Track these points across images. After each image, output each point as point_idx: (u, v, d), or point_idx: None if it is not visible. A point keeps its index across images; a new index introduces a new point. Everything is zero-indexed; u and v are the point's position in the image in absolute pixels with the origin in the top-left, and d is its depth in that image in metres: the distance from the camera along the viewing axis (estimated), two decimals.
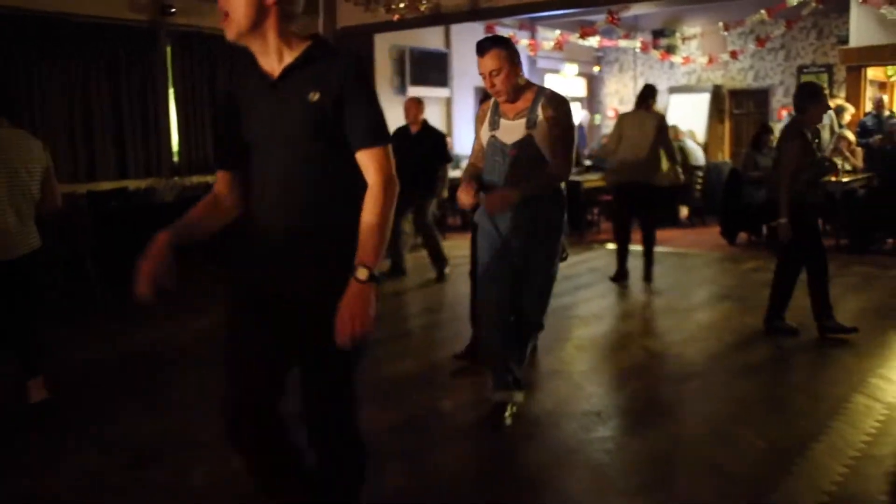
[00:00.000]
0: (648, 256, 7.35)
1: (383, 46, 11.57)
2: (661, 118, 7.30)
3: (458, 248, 9.72)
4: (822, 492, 3.12)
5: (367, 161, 2.14)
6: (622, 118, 7.43)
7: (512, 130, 3.66)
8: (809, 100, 5.09)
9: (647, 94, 7.30)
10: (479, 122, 3.88)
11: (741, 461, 3.43)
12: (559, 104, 3.65)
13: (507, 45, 3.62)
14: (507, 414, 3.83)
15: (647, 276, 7.33)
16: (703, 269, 8.13)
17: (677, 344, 5.32)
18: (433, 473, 3.41)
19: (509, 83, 3.60)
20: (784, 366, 4.88)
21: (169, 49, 8.86)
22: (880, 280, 7.21)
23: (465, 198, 3.61)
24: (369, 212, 2.11)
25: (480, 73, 3.65)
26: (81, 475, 3.42)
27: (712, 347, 5.19)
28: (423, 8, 8.64)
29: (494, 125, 3.73)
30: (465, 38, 12.67)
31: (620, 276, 7.29)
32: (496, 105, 3.75)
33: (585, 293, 6.89)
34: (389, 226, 2.14)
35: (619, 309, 6.54)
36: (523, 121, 3.63)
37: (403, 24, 9.93)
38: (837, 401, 4.11)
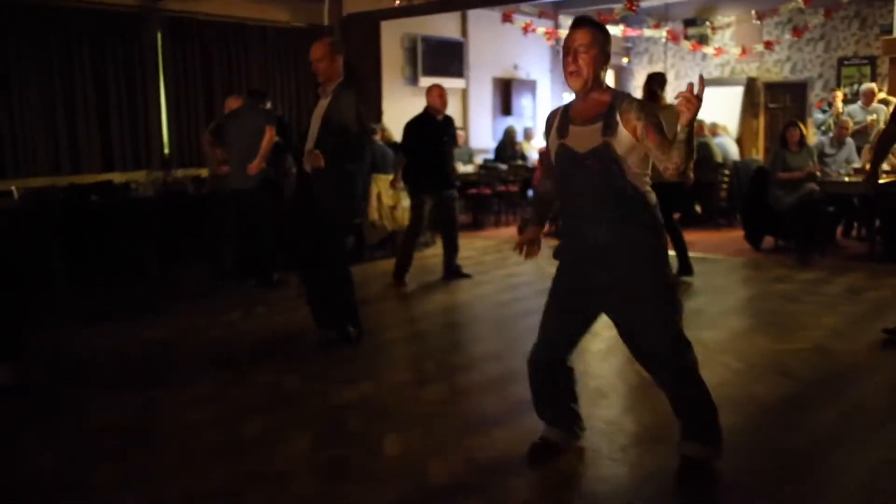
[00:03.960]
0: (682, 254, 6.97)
1: (395, 35, 11.07)
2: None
3: (465, 247, 9.19)
4: None
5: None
6: None
7: (584, 137, 3.09)
8: None
9: (654, 85, 6.67)
10: (548, 131, 3.30)
11: None
12: (637, 103, 3.06)
13: (602, 30, 3.14)
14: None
15: (688, 270, 7.00)
16: (719, 277, 7.47)
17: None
18: None
19: (593, 69, 3.06)
20: (796, 414, 4.04)
21: (160, 35, 8.46)
22: None
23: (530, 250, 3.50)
24: None
25: (565, 48, 3.10)
26: None
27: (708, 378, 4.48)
28: None
29: (563, 132, 3.16)
30: (483, 26, 12.12)
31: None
32: (565, 110, 3.21)
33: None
34: None
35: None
36: (598, 125, 3.05)
37: (411, 11, 9.45)
38: (858, 481, 3.24)
